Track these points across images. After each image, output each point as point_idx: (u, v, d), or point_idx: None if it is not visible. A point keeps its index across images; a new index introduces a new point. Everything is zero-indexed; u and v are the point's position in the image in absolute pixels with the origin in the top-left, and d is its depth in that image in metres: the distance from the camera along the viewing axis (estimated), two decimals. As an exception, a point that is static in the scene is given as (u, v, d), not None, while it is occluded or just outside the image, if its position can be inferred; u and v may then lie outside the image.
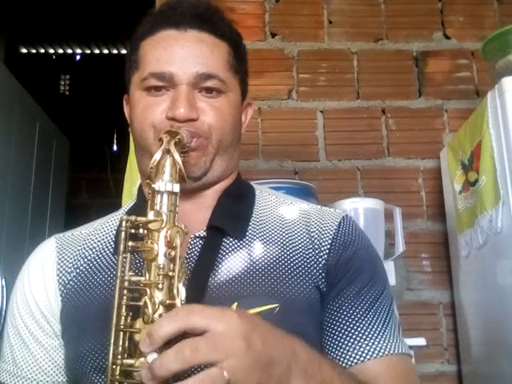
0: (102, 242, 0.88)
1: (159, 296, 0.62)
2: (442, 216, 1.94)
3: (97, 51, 4.32)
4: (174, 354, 0.54)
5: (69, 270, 0.85)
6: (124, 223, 0.67)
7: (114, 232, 0.88)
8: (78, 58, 4.37)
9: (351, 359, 0.76)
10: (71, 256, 0.87)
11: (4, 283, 2.17)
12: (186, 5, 0.87)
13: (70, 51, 4.34)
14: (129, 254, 0.67)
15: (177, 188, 0.69)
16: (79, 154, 3.83)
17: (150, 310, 0.61)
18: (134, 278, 0.65)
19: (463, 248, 1.73)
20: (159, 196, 0.68)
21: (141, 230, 0.67)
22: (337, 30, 2.10)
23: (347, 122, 2.02)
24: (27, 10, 3.47)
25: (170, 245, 0.65)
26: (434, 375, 1.83)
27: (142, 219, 0.67)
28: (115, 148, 4.10)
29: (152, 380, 0.55)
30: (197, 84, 0.82)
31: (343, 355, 0.76)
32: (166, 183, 0.68)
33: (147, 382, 0.55)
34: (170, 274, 0.63)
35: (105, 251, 0.86)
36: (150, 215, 0.66)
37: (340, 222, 0.85)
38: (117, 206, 1.61)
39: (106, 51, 4.31)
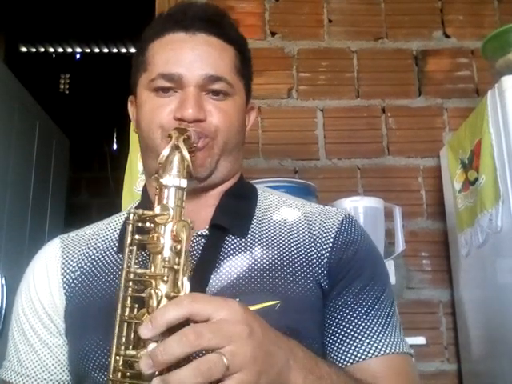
0: (106, 241, 0.89)
1: (164, 288, 0.63)
2: (441, 215, 1.94)
3: (97, 50, 4.32)
4: (178, 338, 0.54)
5: (73, 270, 0.86)
6: (131, 216, 0.68)
7: (118, 231, 0.89)
8: (77, 56, 4.37)
9: (352, 357, 0.76)
10: (75, 255, 0.88)
11: (4, 282, 2.18)
12: (194, 9, 0.88)
13: (69, 50, 4.34)
14: (135, 248, 0.67)
15: (184, 183, 0.70)
16: (79, 153, 3.83)
17: (154, 301, 0.61)
18: (140, 271, 0.66)
19: (463, 247, 1.73)
20: (166, 190, 0.69)
21: (147, 224, 0.68)
22: (337, 28, 2.10)
23: (347, 121, 2.02)
24: (27, 8, 3.47)
25: (175, 238, 0.65)
26: (434, 374, 1.83)
27: (149, 213, 0.67)
28: (115, 147, 4.10)
29: (153, 368, 0.54)
30: (205, 86, 0.82)
31: (345, 353, 0.77)
32: (173, 178, 0.69)
33: (147, 371, 0.55)
34: (175, 267, 0.63)
35: (108, 250, 0.87)
36: (157, 209, 0.67)
37: (342, 221, 0.86)
38: (117, 204, 1.62)
39: (106, 50, 4.31)
